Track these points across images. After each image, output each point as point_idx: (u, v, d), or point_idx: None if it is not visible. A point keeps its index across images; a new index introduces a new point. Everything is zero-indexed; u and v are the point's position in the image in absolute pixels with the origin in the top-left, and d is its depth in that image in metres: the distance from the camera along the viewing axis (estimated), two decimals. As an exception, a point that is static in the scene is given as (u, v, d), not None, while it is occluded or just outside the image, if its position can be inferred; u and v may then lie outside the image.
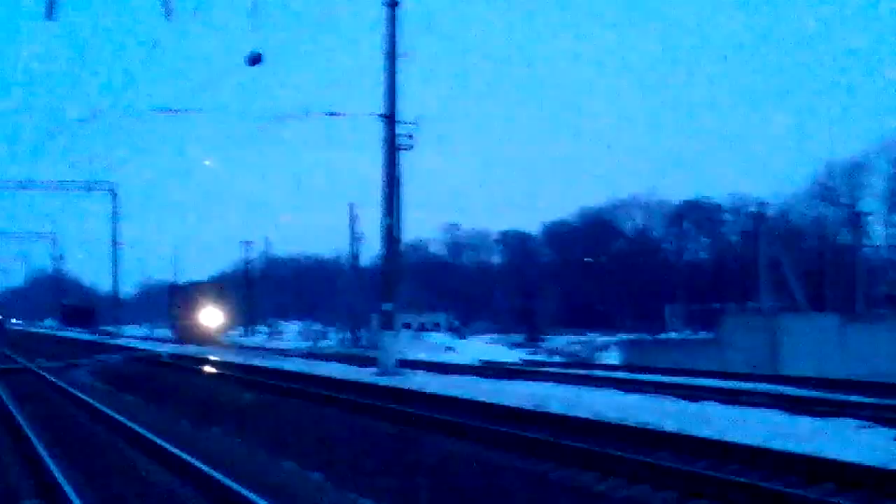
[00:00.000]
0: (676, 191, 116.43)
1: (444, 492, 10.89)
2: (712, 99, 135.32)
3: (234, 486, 10.02)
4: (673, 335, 62.83)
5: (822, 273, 69.74)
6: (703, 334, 58.37)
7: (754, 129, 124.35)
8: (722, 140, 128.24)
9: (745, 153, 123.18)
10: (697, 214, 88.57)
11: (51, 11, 23.31)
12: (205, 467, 11.23)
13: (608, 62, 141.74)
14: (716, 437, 12.06)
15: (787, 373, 29.27)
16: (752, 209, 67.87)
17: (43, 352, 47.30)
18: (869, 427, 13.25)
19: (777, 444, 11.38)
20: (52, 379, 27.97)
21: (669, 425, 13.16)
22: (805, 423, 13.61)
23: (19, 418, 17.29)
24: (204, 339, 53.71)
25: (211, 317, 56.69)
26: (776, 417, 14.34)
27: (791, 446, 11.22)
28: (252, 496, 9.48)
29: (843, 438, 12.01)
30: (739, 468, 10.84)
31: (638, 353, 45.19)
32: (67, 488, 10.35)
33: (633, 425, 13.39)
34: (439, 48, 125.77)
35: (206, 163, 75.94)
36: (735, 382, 22.17)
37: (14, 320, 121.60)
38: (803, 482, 10.13)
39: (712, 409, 15.49)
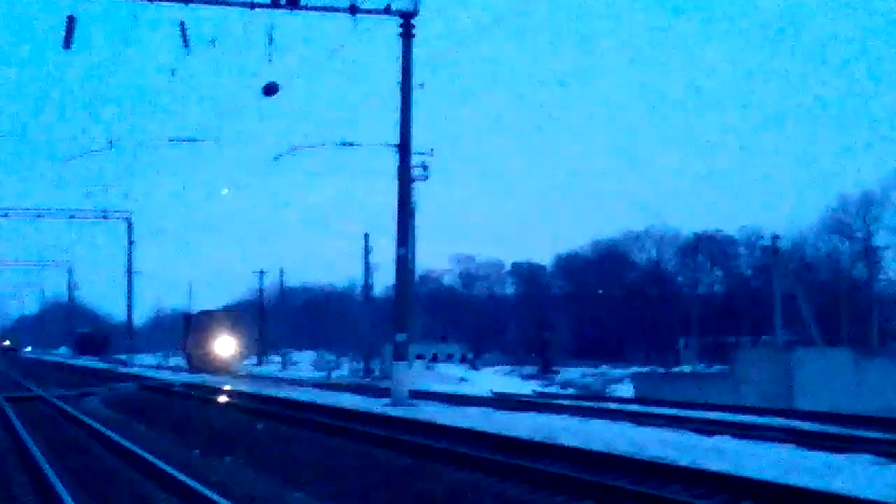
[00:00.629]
0: (689, 223, 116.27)
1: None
2: (726, 131, 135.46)
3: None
4: (686, 368, 62.48)
5: (836, 307, 69.43)
6: (716, 368, 58.03)
7: (768, 162, 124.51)
8: (735, 172, 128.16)
9: (758, 186, 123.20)
10: (711, 247, 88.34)
11: (68, 41, 23.54)
12: (216, 496, 11.20)
13: (622, 94, 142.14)
14: (730, 471, 11.96)
15: (802, 407, 29.08)
16: (766, 242, 67.74)
17: (56, 380, 47.43)
18: (884, 463, 13.16)
19: (792, 480, 11.27)
20: (65, 407, 28.01)
21: (683, 459, 13.07)
22: (820, 458, 13.51)
23: (32, 446, 17.29)
24: (217, 368, 53.74)
25: (224, 346, 56.72)
26: (791, 452, 14.23)
27: (806, 482, 11.11)
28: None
29: (859, 474, 11.91)
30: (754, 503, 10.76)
31: (651, 386, 44.93)
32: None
33: (647, 459, 13.30)
34: (454, 79, 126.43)
35: (223, 192, 76.08)
36: (749, 417, 22.04)
37: (28, 348, 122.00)
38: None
39: (726, 443, 15.39)
